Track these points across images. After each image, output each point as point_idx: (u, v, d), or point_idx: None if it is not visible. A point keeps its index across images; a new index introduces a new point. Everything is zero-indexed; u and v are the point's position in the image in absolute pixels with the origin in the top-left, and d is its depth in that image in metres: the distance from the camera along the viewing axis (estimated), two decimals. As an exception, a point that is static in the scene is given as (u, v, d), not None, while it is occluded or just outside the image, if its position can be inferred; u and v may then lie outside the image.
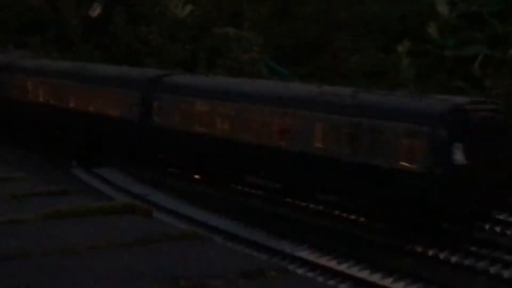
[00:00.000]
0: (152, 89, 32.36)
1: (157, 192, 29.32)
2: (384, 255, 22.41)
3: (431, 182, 22.35)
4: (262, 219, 25.58)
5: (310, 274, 20.55)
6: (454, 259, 22.46)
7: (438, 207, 22.84)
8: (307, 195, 26.63)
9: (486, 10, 42.66)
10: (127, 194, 28.26)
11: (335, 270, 21.41)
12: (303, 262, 21.79)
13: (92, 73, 36.92)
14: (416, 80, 40.36)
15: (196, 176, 30.87)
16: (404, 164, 22.92)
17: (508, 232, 24.67)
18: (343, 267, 21.74)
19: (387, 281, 20.75)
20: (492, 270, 21.70)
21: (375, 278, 20.94)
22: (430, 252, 22.87)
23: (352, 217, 25.39)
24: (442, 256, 22.63)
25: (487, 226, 24.81)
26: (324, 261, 22.08)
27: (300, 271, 20.07)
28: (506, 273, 21.40)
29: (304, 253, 22.59)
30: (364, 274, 21.20)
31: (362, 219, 25.18)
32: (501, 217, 25.49)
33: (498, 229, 24.88)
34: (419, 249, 22.98)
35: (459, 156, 22.41)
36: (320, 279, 20.28)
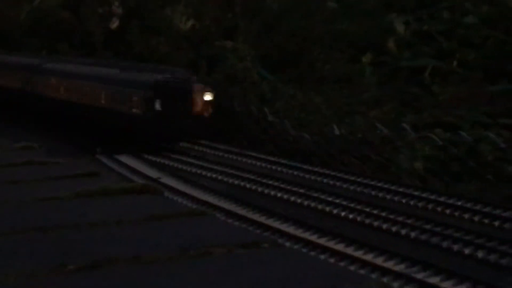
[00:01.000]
0: (35, 72, 44.07)
1: (167, 175, 29.21)
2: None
3: (145, 119, 33.04)
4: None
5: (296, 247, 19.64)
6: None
7: (150, 133, 33.35)
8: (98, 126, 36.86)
9: (435, 29, 42.93)
10: (143, 177, 28.09)
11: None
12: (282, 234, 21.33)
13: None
14: (378, 85, 40.54)
15: None
16: (134, 110, 33.78)
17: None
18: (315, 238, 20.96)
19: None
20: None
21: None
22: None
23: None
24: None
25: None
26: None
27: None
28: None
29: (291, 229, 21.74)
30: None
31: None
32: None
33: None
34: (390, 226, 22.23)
35: (158, 107, 32.70)
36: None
